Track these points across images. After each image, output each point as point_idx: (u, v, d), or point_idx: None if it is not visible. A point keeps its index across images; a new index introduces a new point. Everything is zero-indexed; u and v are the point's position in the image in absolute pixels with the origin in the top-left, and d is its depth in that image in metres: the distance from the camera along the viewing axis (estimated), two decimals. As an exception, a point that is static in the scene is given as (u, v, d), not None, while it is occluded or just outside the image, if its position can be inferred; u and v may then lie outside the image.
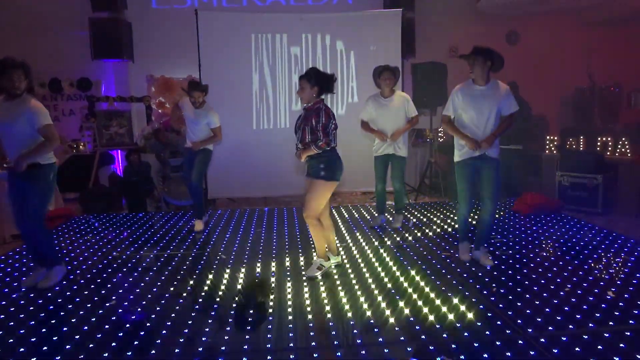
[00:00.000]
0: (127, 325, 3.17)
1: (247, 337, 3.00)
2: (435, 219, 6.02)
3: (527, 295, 3.54)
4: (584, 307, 3.32)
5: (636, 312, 3.22)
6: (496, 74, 4.12)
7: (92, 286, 3.92)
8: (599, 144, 7.07)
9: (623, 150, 6.82)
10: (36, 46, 8.11)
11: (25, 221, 3.79)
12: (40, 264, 4.00)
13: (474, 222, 5.23)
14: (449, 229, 5.47)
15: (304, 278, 4.00)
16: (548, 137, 7.87)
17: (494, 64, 3.99)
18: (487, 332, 2.98)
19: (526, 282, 3.82)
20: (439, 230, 5.48)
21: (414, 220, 5.89)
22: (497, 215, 6.04)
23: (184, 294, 3.71)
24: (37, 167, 3.73)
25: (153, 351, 2.84)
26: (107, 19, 8.05)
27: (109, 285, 3.94)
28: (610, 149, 6.96)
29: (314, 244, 4.21)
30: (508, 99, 4.06)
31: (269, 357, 2.75)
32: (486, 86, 4.04)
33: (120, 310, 3.43)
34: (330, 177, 3.92)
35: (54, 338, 3.02)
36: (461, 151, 4.16)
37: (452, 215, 6.13)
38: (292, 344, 2.91)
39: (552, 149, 7.69)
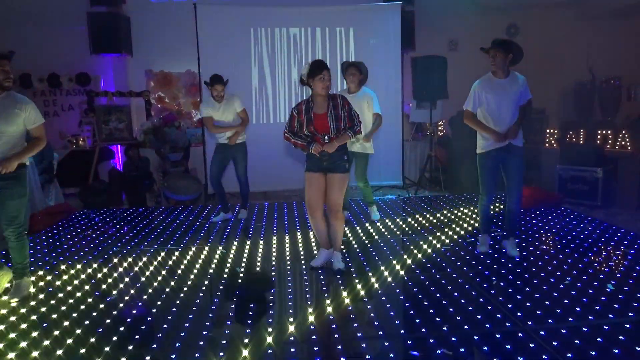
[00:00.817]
0: (128, 320, 3.18)
1: (247, 330, 3.02)
2: (435, 212, 6.03)
3: (527, 288, 3.55)
4: (584, 299, 3.32)
5: (636, 304, 3.22)
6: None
7: (93, 281, 3.93)
8: (599, 137, 7.06)
9: (623, 143, 6.80)
10: (34, 41, 8.09)
11: (10, 227, 3.51)
12: (15, 276, 3.66)
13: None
14: (449, 223, 5.48)
15: (304, 271, 4.01)
16: (548, 130, 7.86)
17: (514, 56, 4.04)
18: (487, 325, 2.99)
19: (526, 275, 3.83)
20: (438, 223, 5.48)
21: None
22: (498, 210, 6.05)
23: (185, 288, 3.72)
24: (22, 167, 3.55)
25: (154, 345, 2.85)
26: (106, 13, 8.01)
27: (109, 280, 3.95)
28: (610, 142, 6.95)
29: (332, 239, 4.08)
30: (525, 89, 4.14)
31: (269, 351, 2.77)
32: (506, 78, 4.09)
33: (121, 305, 3.44)
34: (349, 167, 3.94)
35: (55, 333, 3.02)
36: (485, 142, 4.17)
37: (452, 209, 6.13)
38: (292, 338, 2.92)
39: (552, 142, 7.68)
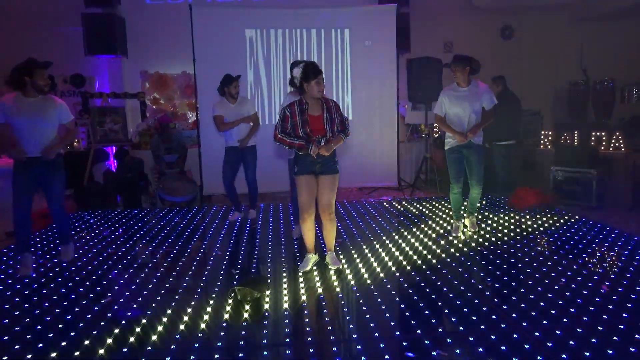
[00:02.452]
0: (123, 322, 3.17)
1: (243, 332, 3.01)
2: (429, 213, 6.04)
3: (522, 290, 3.56)
4: (578, 300, 3.34)
5: (630, 305, 3.24)
6: (483, 71, 4.80)
7: (88, 283, 3.91)
8: (593, 138, 7.10)
9: (617, 144, 6.84)
10: (29, 42, 8.04)
11: (55, 204, 4.33)
12: (61, 241, 4.56)
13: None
14: (444, 224, 5.49)
15: (300, 272, 4.00)
16: (542, 132, 7.89)
17: (472, 68, 4.68)
18: (482, 327, 3.00)
19: (521, 276, 3.84)
20: (433, 224, 5.49)
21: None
22: (492, 208, 6.08)
23: (180, 290, 3.70)
24: (59, 155, 4.30)
25: (149, 347, 2.84)
26: (100, 14, 7.99)
27: (104, 282, 3.93)
28: (604, 143, 6.99)
29: (325, 239, 4.15)
30: (488, 95, 4.77)
31: (265, 353, 2.76)
32: (468, 87, 4.74)
33: (115, 307, 3.42)
34: (339, 168, 4.04)
35: (49, 335, 3.01)
36: (451, 140, 4.87)
37: (447, 211, 6.15)
38: (288, 340, 2.91)
39: (547, 143, 7.72)
